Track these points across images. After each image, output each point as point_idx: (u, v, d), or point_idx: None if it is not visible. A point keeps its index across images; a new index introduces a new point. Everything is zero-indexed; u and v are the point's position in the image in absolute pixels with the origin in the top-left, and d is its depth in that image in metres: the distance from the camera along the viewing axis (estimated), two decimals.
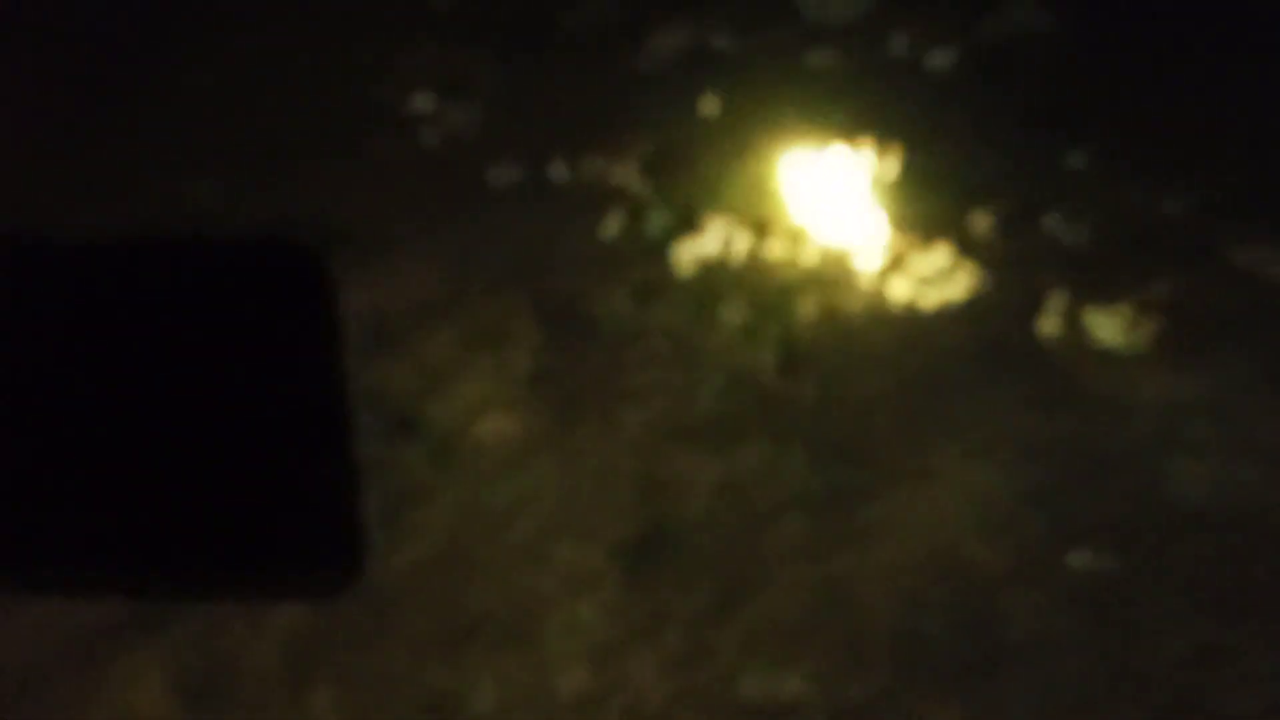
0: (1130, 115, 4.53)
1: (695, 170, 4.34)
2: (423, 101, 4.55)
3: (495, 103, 4.57)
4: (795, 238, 4.16)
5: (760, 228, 4.17)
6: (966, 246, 4.11)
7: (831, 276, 4.06)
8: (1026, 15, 4.74)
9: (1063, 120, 4.51)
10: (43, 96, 4.49)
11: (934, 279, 4.02)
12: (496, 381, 3.88)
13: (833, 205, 4.26)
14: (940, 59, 4.66)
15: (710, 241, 4.13)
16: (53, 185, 4.34)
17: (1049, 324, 3.94)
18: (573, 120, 4.51)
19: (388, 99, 4.55)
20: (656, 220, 4.19)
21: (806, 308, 4.00)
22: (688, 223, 4.19)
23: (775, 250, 4.12)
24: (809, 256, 4.10)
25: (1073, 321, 3.95)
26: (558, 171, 4.36)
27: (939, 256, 4.06)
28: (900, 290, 4.01)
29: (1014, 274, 4.07)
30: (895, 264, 4.06)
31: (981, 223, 4.17)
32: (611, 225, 4.20)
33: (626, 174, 4.33)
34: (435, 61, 4.66)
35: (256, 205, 4.28)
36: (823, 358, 3.91)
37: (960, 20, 4.79)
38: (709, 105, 4.51)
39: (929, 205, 4.23)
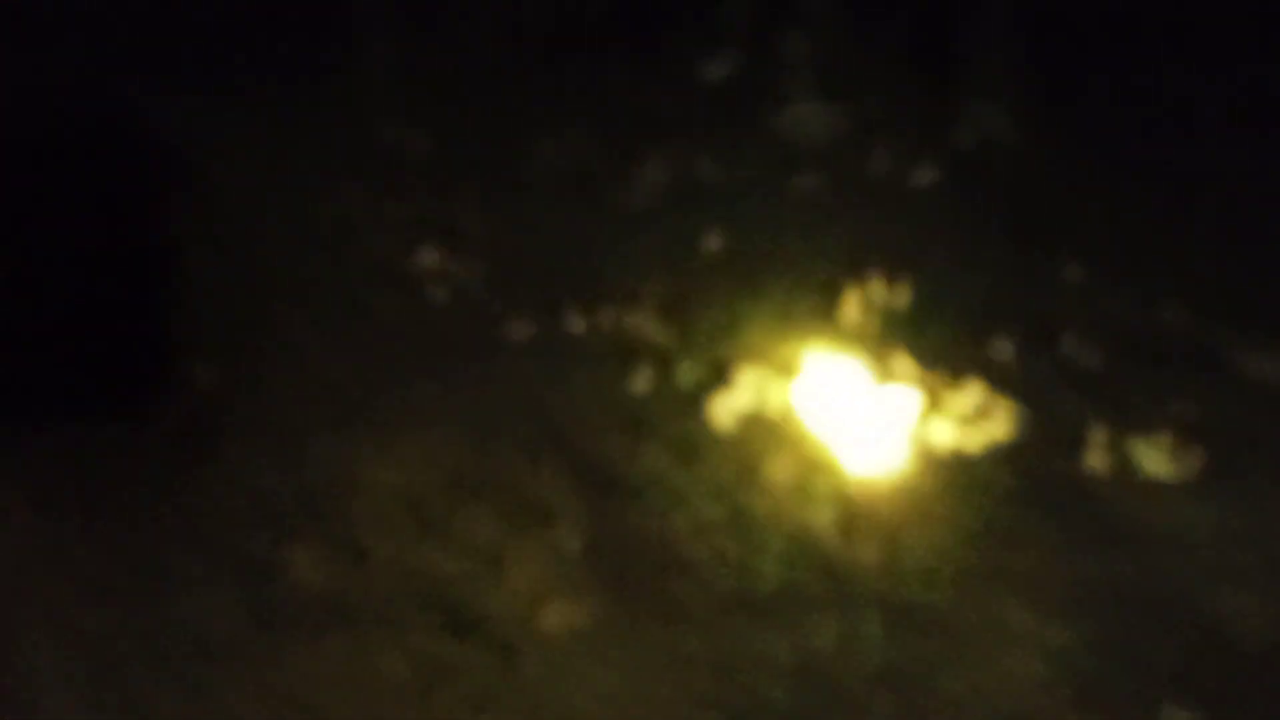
0: (1111, 220, 4.31)
1: (711, 314, 4.03)
2: (425, 255, 4.17)
3: (496, 251, 4.21)
4: (827, 383, 3.86)
5: (789, 374, 3.85)
6: (995, 379, 3.85)
7: (872, 423, 3.76)
8: (993, 122, 4.50)
9: (1052, 232, 4.28)
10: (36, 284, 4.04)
11: (972, 418, 3.75)
12: (550, 564, 3.53)
13: (854, 344, 3.96)
14: (923, 175, 4.39)
15: (744, 393, 3.81)
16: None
17: (1094, 458, 3.68)
18: (577, 266, 4.18)
19: (387, 254, 4.17)
20: (686, 373, 3.87)
21: (853, 459, 3.70)
22: (718, 374, 3.87)
23: (810, 398, 3.81)
24: (845, 403, 3.80)
25: (1117, 453, 3.70)
26: (573, 322, 4.02)
27: (971, 394, 3.79)
28: (941, 434, 3.73)
29: (1046, 405, 3.83)
30: (931, 405, 3.77)
31: (1002, 351, 3.91)
32: (639, 379, 3.86)
33: (643, 321, 4.00)
34: (426, 211, 4.29)
35: (261, 384, 3.88)
36: (879, 513, 3.61)
37: (932, 132, 4.54)
38: (710, 241, 4.19)
39: (947, 336, 3.97)
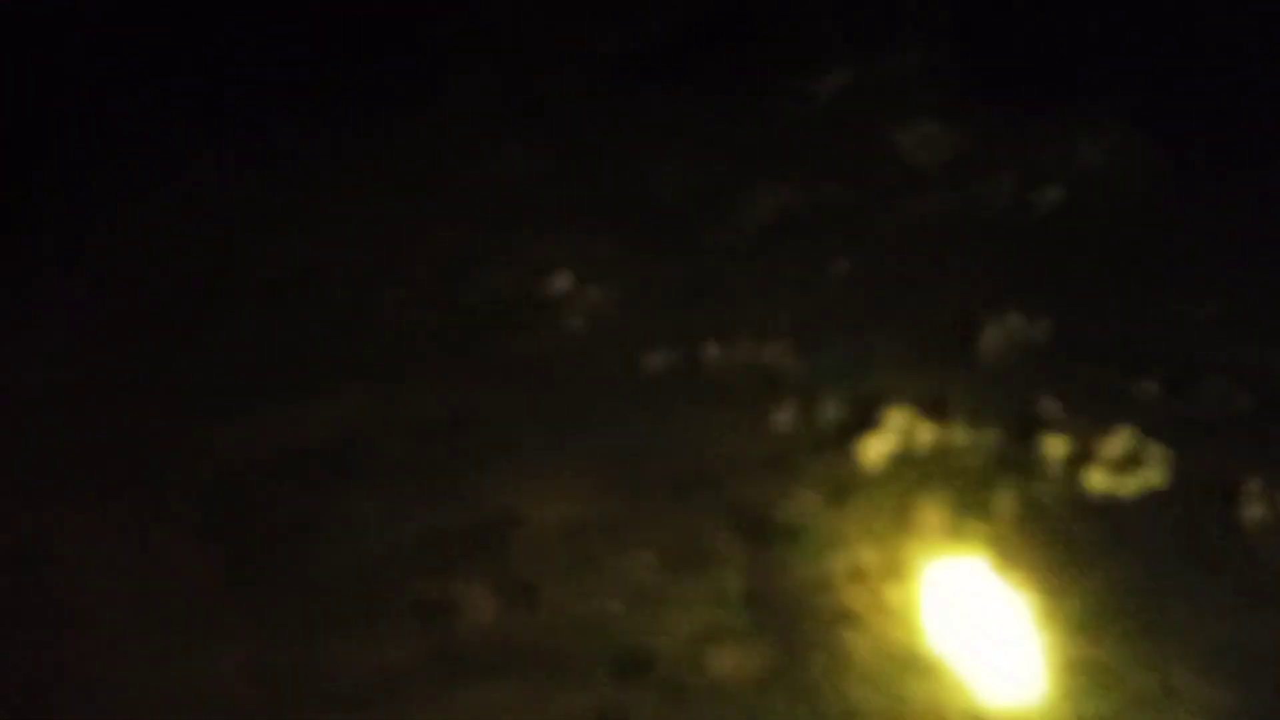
0: (1247, 253, 4.25)
1: (847, 346, 3.95)
2: (559, 282, 4.07)
3: (627, 277, 4.12)
4: (973, 421, 3.80)
5: (935, 411, 3.80)
6: (1142, 424, 3.79)
7: (1023, 465, 3.72)
8: (1121, 141, 4.42)
9: (1186, 264, 4.22)
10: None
11: (1122, 464, 3.71)
12: (713, 607, 3.48)
13: (993, 378, 3.91)
14: (1049, 196, 4.32)
15: (888, 431, 3.75)
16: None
17: (1249, 509, 3.65)
18: (707, 291, 4.09)
19: (520, 285, 4.08)
20: (828, 410, 3.80)
21: (1005, 503, 3.66)
22: (860, 411, 3.81)
23: (957, 437, 3.75)
24: (992, 443, 3.75)
25: (1271, 505, 3.67)
26: (710, 354, 3.94)
27: (1120, 440, 3.74)
28: (1093, 480, 3.68)
29: (1197, 452, 3.77)
30: (1082, 451, 3.73)
31: (1147, 392, 3.86)
32: (782, 416, 3.79)
33: (780, 353, 3.93)
34: (554, 239, 4.19)
35: (404, 411, 3.80)
36: (1033, 559, 3.57)
37: (1058, 152, 4.46)
38: (838, 266, 4.11)
39: (1090, 377, 3.91)
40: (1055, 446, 3.76)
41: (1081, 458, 3.75)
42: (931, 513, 3.65)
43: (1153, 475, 3.71)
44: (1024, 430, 3.81)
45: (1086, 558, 3.62)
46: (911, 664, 3.43)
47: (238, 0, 4.15)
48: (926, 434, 3.75)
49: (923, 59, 4.59)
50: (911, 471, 3.72)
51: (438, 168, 4.22)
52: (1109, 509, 3.68)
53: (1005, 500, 3.69)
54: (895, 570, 3.57)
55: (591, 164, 4.27)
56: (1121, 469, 3.72)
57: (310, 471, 3.59)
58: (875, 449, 3.73)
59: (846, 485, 3.70)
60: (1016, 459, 3.76)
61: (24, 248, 3.86)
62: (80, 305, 3.77)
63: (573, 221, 4.16)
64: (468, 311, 3.97)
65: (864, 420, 3.78)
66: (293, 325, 3.83)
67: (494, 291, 4.01)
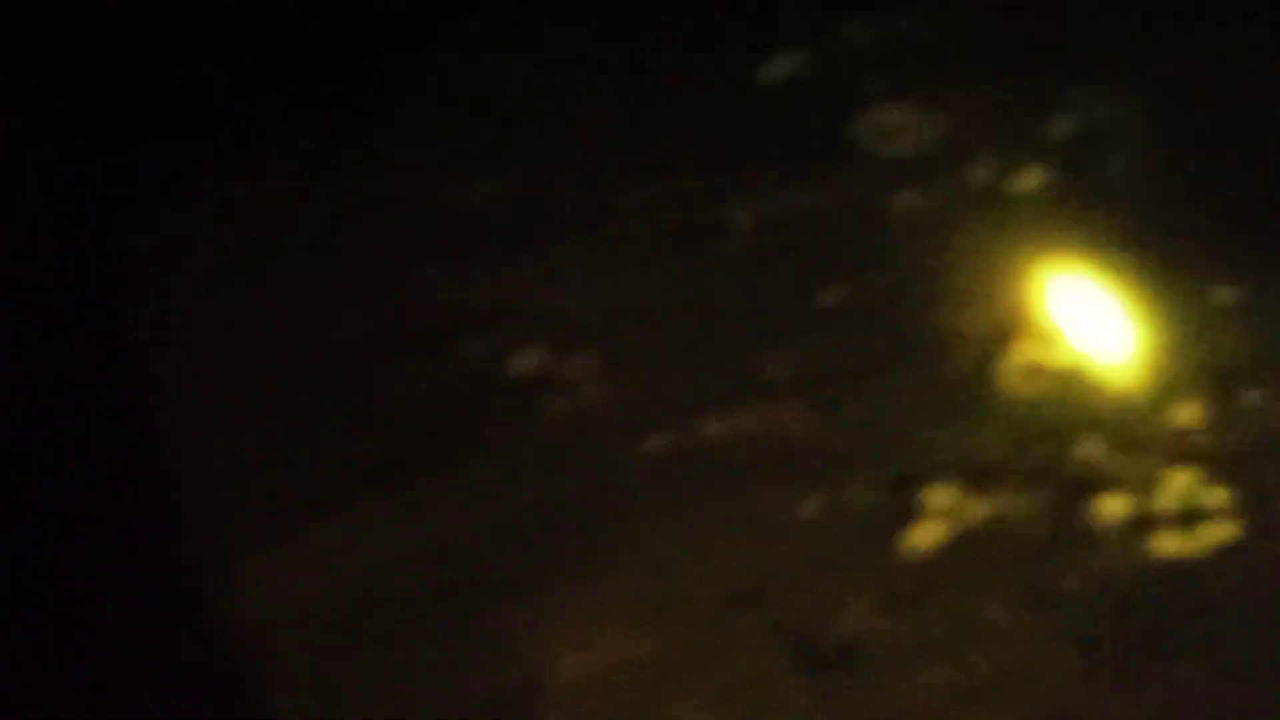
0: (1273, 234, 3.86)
1: (858, 401, 3.51)
2: (529, 360, 3.53)
3: (602, 340, 3.59)
4: (1022, 488, 3.41)
5: (981, 481, 3.39)
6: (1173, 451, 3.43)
7: (1083, 535, 3.35)
8: (1115, 108, 3.99)
9: (1201, 248, 3.83)
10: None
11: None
12: None
13: (1030, 430, 3.50)
14: (1027, 181, 3.90)
15: (936, 515, 3.33)
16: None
17: None
18: (691, 347, 3.58)
19: (484, 357, 3.51)
20: (862, 495, 3.37)
21: (1073, 581, 3.29)
22: (899, 491, 3.38)
23: (1010, 509, 3.36)
24: (1047, 511, 3.36)
25: None
26: (711, 428, 3.46)
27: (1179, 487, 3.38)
28: (1161, 541, 3.33)
29: None
30: (1141, 513, 3.37)
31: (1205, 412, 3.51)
32: (809, 506, 3.35)
33: (789, 418, 3.46)
34: (515, 295, 3.62)
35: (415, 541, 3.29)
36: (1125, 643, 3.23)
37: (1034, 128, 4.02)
38: (828, 295, 3.65)
39: (1143, 405, 3.54)
40: (1110, 506, 3.37)
41: (1142, 522, 3.36)
42: (1001, 606, 3.24)
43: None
44: (1076, 492, 3.40)
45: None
46: None
47: None
48: (977, 511, 3.31)
49: (876, 34, 4.04)
50: (969, 559, 3.29)
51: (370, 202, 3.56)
52: (1174, 572, 3.32)
53: (1073, 578, 3.29)
54: (972, 690, 3.16)
55: (545, 188, 3.66)
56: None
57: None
58: (923, 538, 3.28)
59: (898, 588, 3.26)
60: (1073, 529, 3.36)
61: None
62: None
63: (526, 266, 3.56)
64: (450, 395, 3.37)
65: (904, 504, 3.32)
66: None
67: (458, 367, 3.41)
